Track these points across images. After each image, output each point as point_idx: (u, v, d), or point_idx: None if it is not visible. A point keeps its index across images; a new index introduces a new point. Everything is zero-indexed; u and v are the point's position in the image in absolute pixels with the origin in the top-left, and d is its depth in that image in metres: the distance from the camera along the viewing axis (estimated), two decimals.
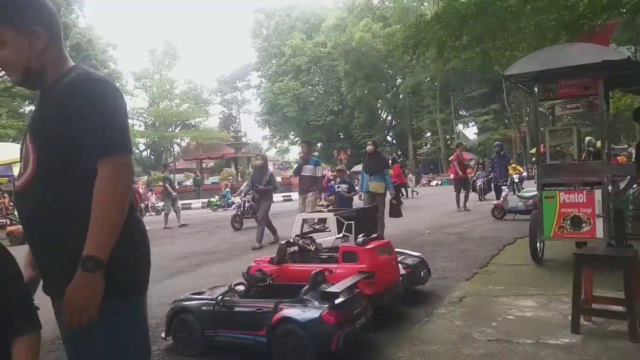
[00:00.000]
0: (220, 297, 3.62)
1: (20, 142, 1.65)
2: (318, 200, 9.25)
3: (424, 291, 4.82)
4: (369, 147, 8.72)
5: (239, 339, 3.48)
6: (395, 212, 8.56)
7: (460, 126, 46.09)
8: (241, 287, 3.91)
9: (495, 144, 15.18)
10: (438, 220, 11.14)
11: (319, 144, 54.50)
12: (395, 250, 4.48)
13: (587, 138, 9.26)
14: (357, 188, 10.24)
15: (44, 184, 1.50)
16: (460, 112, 45.97)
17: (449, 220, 10.48)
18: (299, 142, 54.99)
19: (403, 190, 19.95)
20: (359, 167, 45.23)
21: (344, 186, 9.09)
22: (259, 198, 9.39)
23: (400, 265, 4.41)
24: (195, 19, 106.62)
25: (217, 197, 23.83)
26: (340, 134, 53.82)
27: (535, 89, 6.07)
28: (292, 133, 56.22)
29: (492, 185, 14.13)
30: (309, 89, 51.93)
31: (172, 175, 17.64)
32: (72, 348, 1.56)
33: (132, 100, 49.27)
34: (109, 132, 1.47)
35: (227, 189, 24.88)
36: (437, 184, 35.44)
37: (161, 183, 15.83)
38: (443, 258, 6.52)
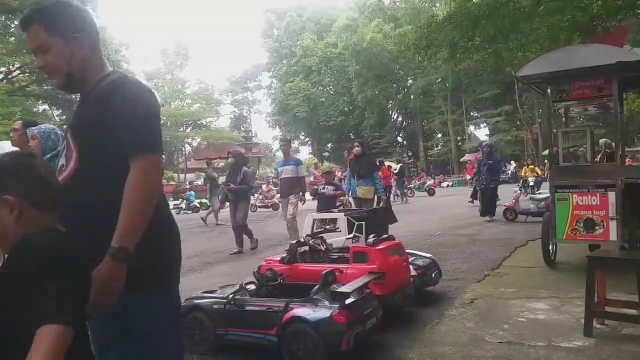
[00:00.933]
0: (231, 295, 3.65)
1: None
2: (302, 202, 8.35)
3: (435, 292, 4.82)
4: (356, 149, 7.96)
5: (249, 337, 3.50)
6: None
7: (471, 127, 45.82)
8: (252, 286, 3.93)
9: (484, 143, 12.65)
10: (449, 222, 11.09)
11: (329, 145, 54.57)
12: (406, 251, 4.48)
13: (602, 140, 9.13)
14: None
15: (84, 180, 1.58)
16: (472, 113, 45.67)
17: (459, 221, 10.44)
18: (308, 142, 55.08)
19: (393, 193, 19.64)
20: None
21: (330, 187, 8.32)
22: (234, 200, 8.43)
23: (411, 266, 4.40)
24: (207, 19, 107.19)
25: (180, 199, 22.95)
26: (351, 134, 53.71)
27: (548, 90, 6.02)
28: (303, 133, 56.29)
29: (477, 189, 11.67)
30: (320, 89, 51.99)
31: (215, 174, 17.49)
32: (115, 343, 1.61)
33: None
34: (142, 132, 1.54)
35: (192, 192, 23.59)
36: (448, 185, 35.27)
37: (173, 183, 15.85)
38: (454, 259, 6.50)
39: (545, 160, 18.33)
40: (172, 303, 1.69)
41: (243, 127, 57.37)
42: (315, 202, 8.83)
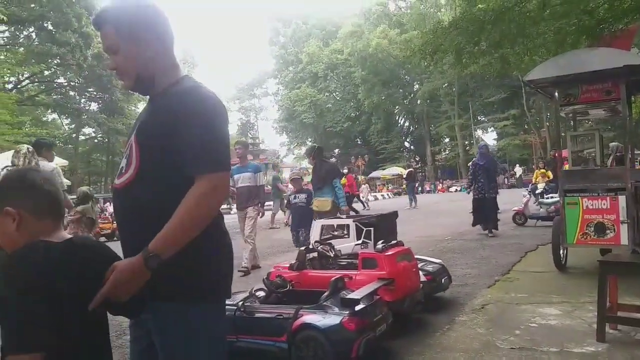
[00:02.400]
0: (241, 302, 3.65)
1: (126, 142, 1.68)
2: (260, 214, 7.32)
3: (445, 298, 4.79)
4: (308, 160, 7.11)
5: (259, 344, 3.49)
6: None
7: (479, 132, 45.65)
8: (261, 293, 3.93)
9: (480, 144, 11.17)
10: (458, 227, 11.03)
11: (336, 150, 54.62)
12: (415, 257, 4.46)
13: (613, 143, 9.02)
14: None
15: (143, 186, 1.53)
16: (479, 118, 45.53)
17: (469, 226, 10.34)
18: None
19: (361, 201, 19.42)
20: (376, 173, 44.74)
21: (302, 196, 7.41)
22: None
23: (420, 272, 4.38)
24: (213, 27, 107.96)
25: None
26: (358, 140, 53.79)
27: (556, 94, 6.01)
28: (310, 139, 56.33)
29: (475, 197, 9.74)
30: (326, 95, 52.09)
31: (281, 175, 17.67)
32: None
33: None
34: (215, 149, 1.50)
35: None
36: (456, 190, 35.21)
37: None
38: (464, 265, 6.46)
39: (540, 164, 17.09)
40: (212, 320, 1.58)
41: (250, 133, 57.57)
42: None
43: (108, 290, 1.36)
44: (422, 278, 4.35)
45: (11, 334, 1.22)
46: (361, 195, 21.18)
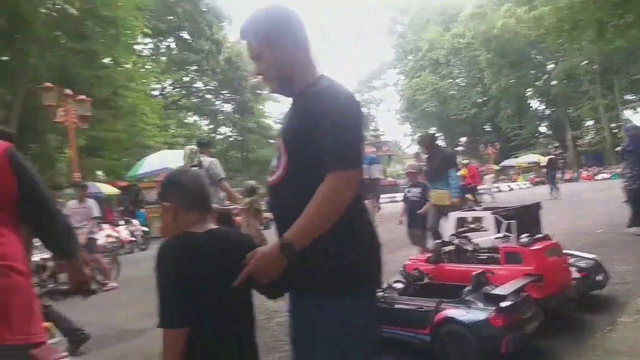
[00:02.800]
0: (381, 293, 3.69)
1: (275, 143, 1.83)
2: (377, 209, 6.90)
3: (603, 297, 4.34)
4: (422, 150, 6.75)
5: (400, 335, 3.52)
6: None
7: (629, 112, 40.42)
8: (399, 285, 3.94)
9: (626, 126, 9.14)
10: (609, 218, 9.86)
11: (463, 139, 52.47)
12: (565, 251, 4.13)
13: None
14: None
15: (288, 185, 1.65)
16: (627, 97, 40.33)
17: (623, 218, 9.12)
18: (440, 137, 53.47)
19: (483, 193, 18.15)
20: (509, 162, 41.81)
21: (416, 190, 6.84)
22: None
23: (572, 268, 4.04)
24: (330, 21, 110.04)
25: None
26: (486, 127, 51.07)
27: None
28: (434, 129, 54.92)
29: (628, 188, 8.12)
30: (449, 82, 50.17)
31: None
32: (294, 340, 1.67)
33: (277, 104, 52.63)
34: (348, 148, 1.55)
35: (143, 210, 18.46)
36: (604, 177, 31.77)
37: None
38: (620, 261, 5.77)
39: None
40: (330, 316, 1.54)
41: (371, 125, 57.77)
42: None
43: (250, 270, 1.52)
44: (575, 274, 4.02)
45: (163, 311, 1.52)
46: (484, 186, 20.06)
